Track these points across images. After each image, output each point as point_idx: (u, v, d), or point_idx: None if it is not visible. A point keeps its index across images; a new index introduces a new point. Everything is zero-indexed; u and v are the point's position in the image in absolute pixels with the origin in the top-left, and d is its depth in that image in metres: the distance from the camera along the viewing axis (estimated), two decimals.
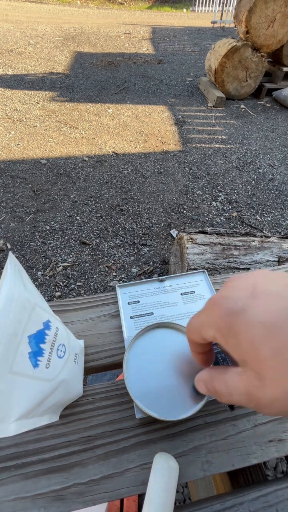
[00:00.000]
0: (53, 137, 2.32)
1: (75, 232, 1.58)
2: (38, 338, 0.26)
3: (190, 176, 2.02)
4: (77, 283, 1.31)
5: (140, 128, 2.53)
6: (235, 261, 0.98)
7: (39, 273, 1.36)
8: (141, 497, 0.61)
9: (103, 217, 1.68)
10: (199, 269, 0.46)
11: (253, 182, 1.98)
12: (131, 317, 0.41)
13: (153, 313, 0.42)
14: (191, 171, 2.06)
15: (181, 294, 0.45)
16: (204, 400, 0.31)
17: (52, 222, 1.63)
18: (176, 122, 2.65)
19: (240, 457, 0.30)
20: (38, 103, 2.82)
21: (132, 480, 0.29)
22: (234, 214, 1.71)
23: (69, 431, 0.32)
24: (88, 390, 0.35)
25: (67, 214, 1.68)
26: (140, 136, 2.42)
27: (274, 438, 0.31)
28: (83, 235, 1.56)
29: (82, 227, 1.61)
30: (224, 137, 2.46)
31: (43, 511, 0.27)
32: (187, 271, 0.99)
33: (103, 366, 0.38)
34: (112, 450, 0.30)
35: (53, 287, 1.29)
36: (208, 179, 2.00)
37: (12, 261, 0.25)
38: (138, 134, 2.44)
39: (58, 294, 1.26)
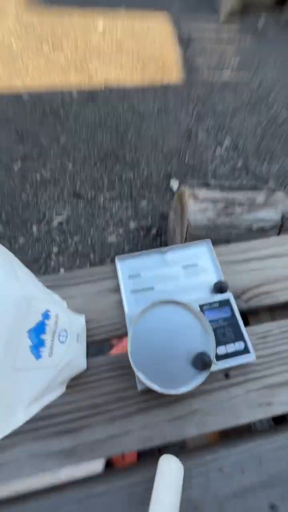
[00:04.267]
0: (33, 63, 1.95)
1: (68, 182, 1.47)
2: (38, 330, 0.25)
3: (194, 116, 1.79)
4: (74, 239, 1.29)
5: (137, 51, 2.12)
6: (238, 219, 0.95)
7: (34, 227, 1.32)
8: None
9: (98, 166, 1.54)
10: (203, 238, 0.43)
11: (263, 124, 1.77)
12: (132, 292, 0.41)
13: (154, 288, 0.41)
14: (196, 109, 1.82)
15: (183, 267, 0.43)
16: (204, 375, 0.33)
17: (43, 171, 1.50)
18: (180, 41, 2.21)
19: (231, 418, 0.33)
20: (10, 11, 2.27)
21: (135, 438, 0.32)
22: (240, 163, 1.59)
23: (76, 399, 0.34)
24: (91, 363, 0.36)
25: (58, 161, 1.54)
26: (137, 62, 2.05)
27: (263, 402, 0.34)
28: (77, 187, 1.46)
29: (75, 177, 1.49)
30: (236, 63, 2.09)
31: (57, 464, 0.31)
32: (186, 230, 0.97)
33: (104, 340, 0.39)
34: (116, 415, 0.33)
35: (50, 243, 1.27)
36: (213, 120, 1.78)
37: (1, 253, 0.23)
38: (134, 59, 2.06)
39: (55, 250, 1.25)
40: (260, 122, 1.79)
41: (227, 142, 1.69)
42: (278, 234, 0.96)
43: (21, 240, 1.28)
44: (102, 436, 0.32)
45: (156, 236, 1.33)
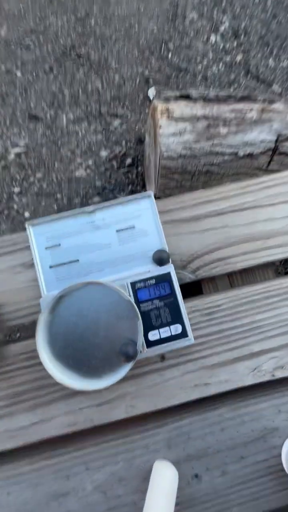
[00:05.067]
0: None
1: (20, 99, 1.17)
2: None
3: None
4: (37, 175, 1.11)
5: None
6: (221, 143, 0.77)
7: None
8: None
9: (54, 71, 1.19)
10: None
11: None
12: (51, 267, 0.33)
13: (78, 260, 0.33)
14: None
15: (117, 231, 0.34)
16: (127, 368, 0.28)
17: None
18: None
19: (163, 400, 0.31)
20: None
21: (59, 423, 0.31)
22: (239, 58, 1.22)
23: None
24: (8, 351, 0.32)
25: (3, 67, 1.19)
26: None
27: (200, 382, 0.31)
28: (32, 105, 1.17)
29: (28, 91, 1.18)
30: None
31: None
32: (159, 160, 0.80)
33: (25, 326, 0.33)
34: (38, 402, 0.31)
35: (9, 182, 1.10)
36: None
37: None
38: None
39: (17, 190, 1.09)
40: None
41: (225, 25, 1.26)
42: (269, 162, 0.80)
43: None
44: (24, 423, 0.30)
45: (132, 166, 1.14)
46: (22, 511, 0.29)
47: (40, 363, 0.32)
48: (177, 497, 0.30)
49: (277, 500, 0.29)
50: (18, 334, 0.75)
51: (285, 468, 0.29)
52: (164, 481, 0.27)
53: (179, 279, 0.33)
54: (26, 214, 1.07)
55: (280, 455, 0.30)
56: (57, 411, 0.31)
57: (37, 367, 0.32)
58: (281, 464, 0.30)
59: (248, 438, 0.31)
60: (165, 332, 0.30)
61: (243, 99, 0.81)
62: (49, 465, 0.30)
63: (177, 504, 0.30)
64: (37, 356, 0.32)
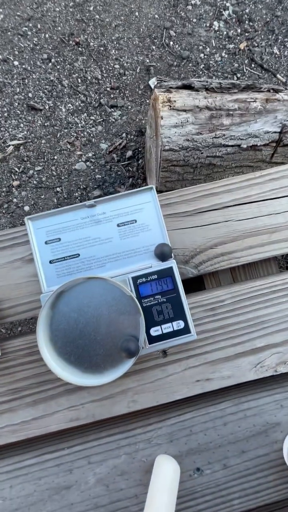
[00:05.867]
0: None
1: (18, 89, 1.14)
2: None
3: None
4: (36, 168, 1.09)
5: None
6: (224, 135, 0.75)
7: None
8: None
9: (53, 60, 1.16)
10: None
11: None
12: (51, 262, 0.32)
13: (79, 255, 0.32)
14: None
15: (118, 225, 0.33)
16: (129, 364, 0.28)
17: None
18: None
19: (165, 395, 0.31)
20: None
21: (61, 418, 0.31)
22: (243, 46, 1.18)
23: None
24: (8, 348, 0.31)
25: (0, 56, 1.15)
26: None
27: (202, 378, 0.31)
28: (30, 95, 1.14)
29: (26, 81, 1.15)
30: None
31: None
32: (160, 152, 0.78)
33: (25, 321, 0.33)
34: (41, 398, 0.31)
35: (8, 175, 1.09)
36: None
37: None
38: None
39: (16, 183, 1.08)
40: None
41: (228, 10, 1.21)
42: (273, 154, 0.78)
43: None
44: (26, 418, 0.30)
45: (133, 159, 1.12)
46: (25, 503, 0.29)
47: (42, 359, 0.32)
48: (179, 491, 0.30)
49: (278, 493, 0.30)
50: (19, 329, 0.76)
51: (286, 462, 0.29)
52: (166, 475, 0.27)
53: (181, 274, 0.32)
54: (26, 208, 1.06)
55: (281, 449, 0.30)
56: (58, 406, 0.31)
57: (39, 362, 0.32)
58: (282, 458, 0.30)
59: (250, 432, 0.31)
60: (167, 328, 0.30)
61: (247, 88, 0.79)
62: (52, 459, 0.30)
63: (178, 497, 0.30)
64: (38, 352, 0.32)
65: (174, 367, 0.31)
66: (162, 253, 0.31)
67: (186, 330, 0.30)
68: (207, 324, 0.32)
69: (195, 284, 0.38)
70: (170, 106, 0.74)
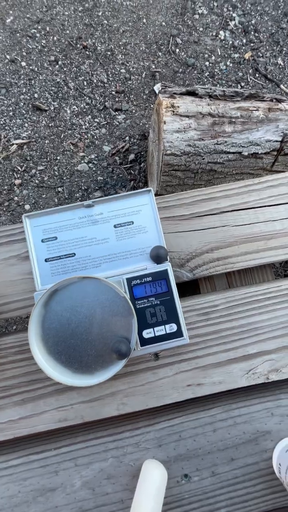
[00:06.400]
0: None
1: (24, 90, 1.16)
2: None
3: None
4: (38, 167, 1.10)
5: None
6: (225, 142, 0.75)
7: None
8: None
9: (60, 62, 1.18)
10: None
11: None
12: (46, 260, 0.32)
13: (75, 254, 0.32)
14: None
15: (115, 226, 0.33)
16: (119, 365, 0.28)
17: None
18: None
19: (156, 399, 0.31)
20: None
21: (49, 418, 0.30)
22: (248, 56, 1.20)
23: None
24: (1, 344, 0.31)
25: (7, 57, 1.17)
26: None
27: (193, 383, 0.31)
28: (36, 95, 1.15)
29: (33, 81, 1.16)
30: None
31: None
32: (162, 157, 0.78)
33: (18, 319, 0.33)
34: (29, 397, 0.30)
35: (10, 173, 1.09)
36: None
37: None
38: None
39: (18, 182, 1.08)
40: None
41: (234, 20, 1.23)
42: (274, 163, 0.79)
43: None
44: (13, 417, 0.30)
45: (135, 162, 1.13)
46: (9, 504, 0.29)
47: (32, 357, 0.31)
48: (166, 497, 0.30)
49: (265, 503, 0.29)
50: (14, 327, 0.75)
51: (276, 472, 0.29)
52: (153, 481, 0.27)
53: (176, 278, 0.32)
54: (27, 207, 1.06)
55: (271, 458, 0.30)
56: (47, 406, 0.30)
57: (29, 361, 0.31)
58: (271, 467, 0.30)
59: (240, 440, 0.30)
60: (160, 330, 0.30)
61: (250, 97, 0.80)
62: (38, 460, 0.30)
63: (165, 504, 0.29)
64: (29, 350, 0.32)
65: (166, 370, 0.31)
66: (158, 256, 0.31)
67: (178, 334, 0.30)
68: (200, 329, 0.32)
69: (190, 289, 0.38)
70: (174, 112, 0.75)
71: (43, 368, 0.27)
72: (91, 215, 0.33)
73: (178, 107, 0.75)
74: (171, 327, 0.30)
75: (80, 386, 0.28)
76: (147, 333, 0.30)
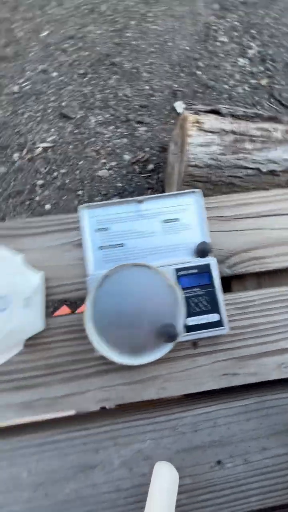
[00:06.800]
0: None
1: (53, 98, 1.22)
2: None
3: (216, 7, 1.36)
4: (61, 170, 1.15)
5: None
6: (246, 158, 0.80)
7: (15, 155, 1.16)
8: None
9: (89, 76, 1.25)
10: (192, 189, 0.36)
11: None
12: (99, 248, 0.35)
13: (123, 245, 0.35)
14: None
15: (162, 221, 0.36)
16: (167, 348, 0.30)
17: (21, 80, 1.23)
18: None
19: (193, 386, 0.32)
20: None
21: (92, 397, 0.32)
22: (264, 82, 1.28)
23: (33, 358, 0.33)
24: (51, 324, 0.33)
25: (39, 67, 1.24)
26: None
27: (229, 372, 0.33)
28: (63, 104, 1.22)
29: (61, 91, 1.23)
30: None
31: (16, 414, 0.31)
32: (185, 167, 0.83)
33: (67, 299, 0.35)
34: (73, 375, 0.32)
35: (33, 174, 1.14)
36: (242, 14, 1.36)
37: None
38: None
39: (40, 182, 1.12)
40: None
41: (253, 49, 1.33)
42: None
43: (2, 169, 1.14)
44: (58, 393, 0.32)
45: (153, 172, 1.18)
46: (50, 479, 0.30)
47: (78, 338, 0.33)
48: (198, 482, 0.31)
49: None
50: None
51: None
52: (165, 482, 0.27)
53: None
54: (47, 207, 1.09)
55: None
56: (91, 385, 0.32)
57: (75, 341, 0.33)
58: None
59: (272, 430, 0.32)
60: (203, 319, 0.32)
61: (269, 119, 0.85)
62: (79, 437, 0.31)
63: (197, 489, 0.31)
64: (76, 331, 0.34)
65: (204, 359, 0.33)
66: (203, 250, 0.33)
67: (220, 323, 0.32)
68: (237, 322, 0.34)
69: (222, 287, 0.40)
70: (199, 127, 0.80)
71: (98, 348, 0.29)
72: (140, 210, 0.36)
73: (203, 123, 0.81)
74: (213, 317, 0.32)
75: (130, 364, 0.30)
76: (191, 321, 0.32)
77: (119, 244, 0.35)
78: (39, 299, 0.32)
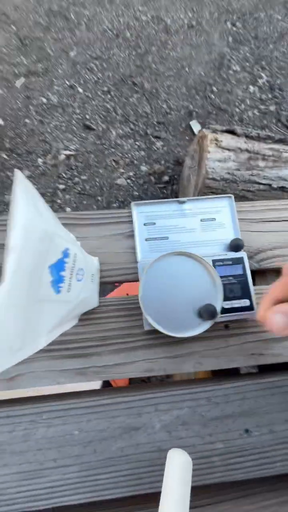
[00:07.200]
0: None
1: (78, 110, 1.32)
2: (58, 266, 0.26)
3: (230, 39, 1.49)
4: (82, 177, 1.22)
5: None
6: (259, 174, 0.88)
7: (40, 160, 1.23)
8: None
9: (112, 93, 1.36)
10: (218, 192, 0.41)
11: None
12: (146, 240, 0.40)
13: (168, 238, 0.41)
14: (234, 29, 1.50)
15: (201, 220, 0.42)
16: (208, 324, 0.35)
17: (49, 93, 1.33)
18: None
19: (225, 362, 0.37)
20: None
21: (137, 367, 0.36)
22: (272, 108, 1.40)
23: (87, 331, 0.37)
24: (103, 302, 0.38)
25: (67, 83, 1.35)
26: None
27: (256, 352, 0.37)
28: (87, 116, 1.31)
29: (86, 105, 1.33)
30: None
31: (69, 379, 0.35)
32: (203, 180, 0.91)
33: (116, 282, 0.40)
34: (122, 347, 0.37)
35: (56, 178, 1.21)
36: (253, 46, 1.49)
37: (22, 185, 0.21)
38: None
39: (62, 187, 1.19)
40: None
41: (263, 79, 1.45)
42: None
43: (26, 172, 1.22)
44: (109, 363, 0.36)
45: (168, 184, 1.26)
46: (98, 437, 0.34)
47: (127, 315, 0.38)
48: (230, 447, 0.35)
49: None
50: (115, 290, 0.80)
51: None
52: (179, 468, 0.26)
53: None
54: (67, 209, 1.16)
55: None
56: (136, 357, 0.36)
57: (124, 318, 0.38)
58: None
59: None
60: (236, 303, 0.37)
61: (280, 141, 0.94)
62: (125, 402, 0.35)
63: (229, 453, 0.34)
64: (124, 309, 0.38)
65: (235, 339, 0.38)
66: (237, 245, 0.39)
67: (250, 307, 0.37)
68: None
69: None
70: (217, 144, 0.88)
71: (151, 322, 0.34)
72: (182, 209, 0.42)
73: (221, 141, 0.89)
74: (245, 302, 0.37)
75: (178, 337, 0.34)
76: (226, 304, 0.37)
77: (164, 237, 0.41)
78: (98, 279, 0.37)
